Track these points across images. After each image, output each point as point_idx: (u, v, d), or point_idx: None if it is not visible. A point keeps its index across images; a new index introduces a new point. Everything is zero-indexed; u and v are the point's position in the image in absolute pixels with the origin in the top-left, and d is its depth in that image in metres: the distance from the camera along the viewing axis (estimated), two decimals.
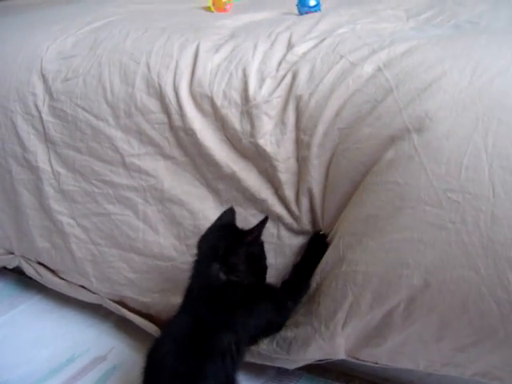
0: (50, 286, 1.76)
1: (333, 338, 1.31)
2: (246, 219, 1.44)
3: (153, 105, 1.51)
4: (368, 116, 1.28)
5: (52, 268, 1.72)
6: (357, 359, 1.36)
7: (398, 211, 1.19)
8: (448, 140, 1.17)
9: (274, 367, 1.53)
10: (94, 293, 1.67)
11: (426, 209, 1.16)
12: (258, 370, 1.52)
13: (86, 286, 1.67)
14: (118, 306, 1.63)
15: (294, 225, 1.40)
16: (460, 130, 1.16)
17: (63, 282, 1.70)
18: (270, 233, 1.41)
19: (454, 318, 1.18)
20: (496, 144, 1.12)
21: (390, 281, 1.21)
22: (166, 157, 1.51)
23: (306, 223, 1.39)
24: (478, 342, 1.19)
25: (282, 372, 1.52)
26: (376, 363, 1.34)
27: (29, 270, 1.75)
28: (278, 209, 1.40)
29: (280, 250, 1.42)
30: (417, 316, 1.21)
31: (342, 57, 1.38)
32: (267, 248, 1.39)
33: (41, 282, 1.76)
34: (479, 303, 1.14)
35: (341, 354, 1.35)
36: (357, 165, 1.28)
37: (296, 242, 1.41)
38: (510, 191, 1.10)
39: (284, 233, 1.41)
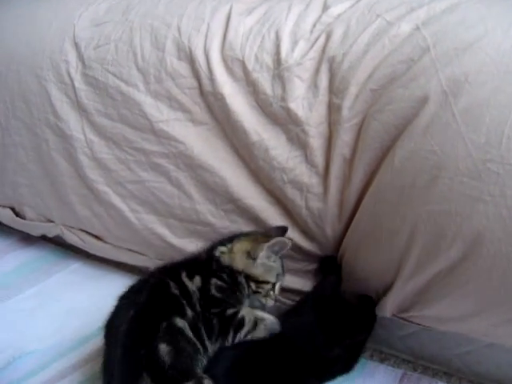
0: (94, 252, 1.77)
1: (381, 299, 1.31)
2: (274, 190, 1.41)
3: (183, 69, 1.48)
4: (402, 76, 1.21)
5: (95, 234, 1.72)
6: (402, 318, 1.33)
7: (435, 181, 1.14)
8: (488, 107, 1.09)
9: None
10: (143, 254, 1.66)
11: (464, 180, 1.10)
12: None
13: (132, 248, 1.67)
14: None
15: (322, 194, 1.36)
16: (502, 96, 1.09)
17: (109, 245, 1.71)
18: (297, 204, 1.38)
19: (492, 292, 1.13)
20: None
21: (430, 251, 1.17)
22: (195, 123, 1.48)
23: (333, 192, 1.34)
24: None
25: None
26: (419, 324, 1.32)
27: (70, 238, 1.76)
28: (306, 178, 1.36)
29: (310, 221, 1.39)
30: (454, 287, 1.17)
31: (378, 16, 1.31)
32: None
33: (84, 248, 1.77)
34: None
35: (386, 313, 1.33)
36: (389, 128, 1.22)
37: (324, 212, 1.36)
38: None
39: (312, 203, 1.37)
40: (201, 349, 1.18)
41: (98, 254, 1.76)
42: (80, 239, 1.75)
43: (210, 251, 1.32)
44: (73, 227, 1.75)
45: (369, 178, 1.29)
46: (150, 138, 1.52)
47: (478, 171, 1.09)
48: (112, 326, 1.25)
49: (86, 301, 1.64)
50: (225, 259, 1.29)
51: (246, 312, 1.26)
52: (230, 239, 1.32)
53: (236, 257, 1.28)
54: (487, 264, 1.10)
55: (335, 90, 1.31)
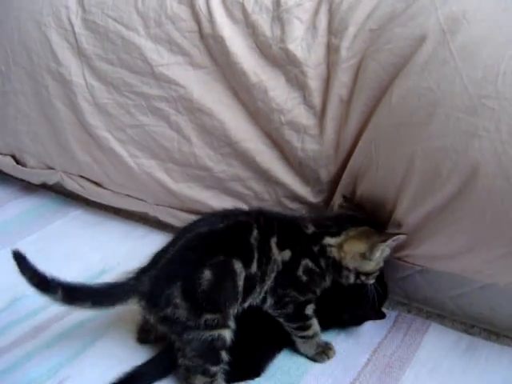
0: (94, 198, 1.78)
1: None
2: (272, 132, 1.42)
3: (183, 12, 1.49)
4: (401, 15, 1.22)
5: (95, 180, 1.74)
6: (397, 258, 1.35)
7: (431, 118, 1.14)
8: (485, 44, 1.10)
9: None
10: (142, 200, 1.68)
11: (460, 116, 1.11)
12: None
13: (131, 194, 1.68)
14: (167, 208, 1.64)
15: (318, 136, 1.37)
16: (499, 33, 1.09)
17: (108, 191, 1.72)
18: (294, 146, 1.39)
19: (485, 228, 1.14)
20: None
21: (425, 188, 1.18)
22: (195, 66, 1.49)
23: (329, 133, 1.35)
24: (510, 253, 1.15)
25: None
26: (413, 264, 1.34)
27: (70, 184, 1.78)
28: (304, 120, 1.37)
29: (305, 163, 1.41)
30: (448, 223, 1.18)
31: None
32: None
33: (83, 194, 1.79)
34: (511, 213, 1.10)
35: None
36: (387, 67, 1.23)
37: (319, 154, 1.38)
38: None
39: (309, 145, 1.38)
40: (240, 300, 1.18)
41: (97, 200, 1.78)
42: (80, 186, 1.76)
43: (316, 234, 1.24)
44: (73, 174, 1.76)
45: (366, 119, 1.29)
46: (151, 82, 1.53)
47: (474, 107, 1.09)
48: (185, 230, 1.23)
49: (85, 246, 1.66)
50: (332, 252, 1.23)
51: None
52: (338, 228, 1.24)
53: (347, 256, 1.22)
54: (481, 199, 1.11)
55: (334, 31, 1.32)
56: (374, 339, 1.36)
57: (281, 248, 1.20)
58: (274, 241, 1.20)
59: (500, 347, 1.33)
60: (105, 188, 1.73)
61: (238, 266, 1.15)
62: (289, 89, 1.38)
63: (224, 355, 1.16)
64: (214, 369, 1.16)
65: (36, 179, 1.86)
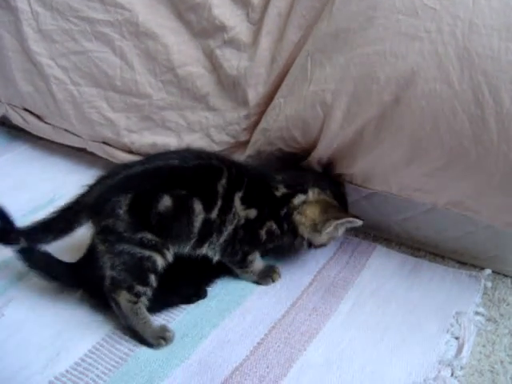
0: (36, 133, 1.76)
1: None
2: (213, 52, 1.40)
3: None
4: None
5: (37, 113, 1.71)
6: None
7: (370, 22, 1.12)
8: None
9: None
10: (78, 136, 1.65)
11: (400, 18, 1.09)
12: None
13: (69, 129, 1.65)
14: (101, 145, 1.62)
15: (252, 52, 1.35)
16: None
17: (48, 126, 1.69)
18: (231, 65, 1.38)
19: (424, 136, 1.12)
20: None
21: (360, 98, 1.15)
22: None
23: (263, 48, 1.33)
24: (448, 165, 1.13)
25: None
26: (350, 182, 1.32)
27: (15, 118, 1.74)
28: (244, 37, 1.36)
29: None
30: (387, 134, 1.16)
31: None
32: None
33: (27, 129, 1.76)
34: (451, 120, 1.08)
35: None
36: None
37: (250, 71, 1.36)
38: None
39: (243, 62, 1.37)
40: (193, 241, 1.17)
41: (39, 134, 1.76)
42: (23, 120, 1.73)
43: (286, 196, 1.24)
44: (17, 106, 1.73)
45: (303, 32, 1.27)
46: (96, 6, 1.50)
47: (414, 8, 1.07)
48: (155, 157, 1.23)
49: (35, 177, 1.66)
50: (295, 217, 1.23)
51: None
52: (306, 186, 1.24)
53: (303, 225, 1.23)
54: (421, 105, 1.09)
55: None
56: (320, 261, 1.36)
57: (246, 205, 1.20)
58: (238, 195, 1.19)
59: (444, 268, 1.34)
60: (46, 123, 1.70)
61: (197, 206, 1.14)
62: (232, 6, 1.36)
63: (152, 279, 1.14)
64: (139, 288, 1.13)
65: None
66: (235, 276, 1.30)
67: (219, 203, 1.16)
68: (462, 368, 1.11)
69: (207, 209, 1.15)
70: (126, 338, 1.16)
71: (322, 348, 1.15)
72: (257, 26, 1.33)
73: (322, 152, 1.25)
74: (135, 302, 1.13)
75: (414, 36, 1.07)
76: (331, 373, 1.10)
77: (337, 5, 1.17)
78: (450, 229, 1.33)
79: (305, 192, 1.24)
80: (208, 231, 1.17)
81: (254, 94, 1.35)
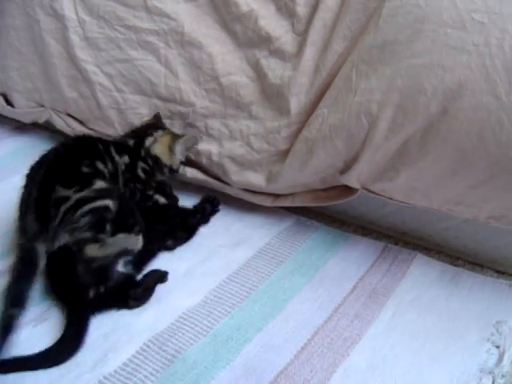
0: None
1: (348, 171, 1.30)
2: (258, 62, 1.43)
3: None
4: None
5: (80, 119, 1.75)
6: (371, 192, 1.34)
7: (418, 35, 1.14)
8: None
9: (292, 216, 1.53)
10: None
11: (448, 31, 1.11)
12: (276, 218, 1.54)
13: (112, 134, 1.68)
14: None
15: (296, 62, 1.37)
16: None
17: (92, 132, 1.72)
18: (276, 75, 1.40)
19: (470, 148, 1.13)
20: None
21: (407, 109, 1.16)
22: None
23: (307, 59, 1.36)
24: (494, 176, 1.15)
25: (300, 222, 1.53)
26: (391, 198, 1.32)
27: (59, 123, 1.79)
28: (290, 47, 1.38)
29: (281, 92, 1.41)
30: (432, 146, 1.17)
31: None
32: None
33: (70, 133, 1.77)
34: (497, 132, 1.10)
35: (354, 184, 1.34)
36: None
37: (293, 80, 1.38)
38: None
39: (287, 72, 1.39)
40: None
41: None
42: (67, 124, 1.77)
43: (137, 142, 1.47)
44: (60, 111, 1.77)
45: (348, 43, 1.29)
46: (142, 15, 1.54)
47: (462, 22, 1.09)
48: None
49: None
50: (154, 151, 1.48)
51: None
52: (151, 131, 1.50)
53: (162, 153, 1.48)
54: (467, 117, 1.11)
55: None
56: (361, 268, 1.37)
57: (119, 154, 1.41)
58: (113, 149, 1.40)
59: (483, 278, 1.35)
60: (89, 128, 1.74)
61: (100, 164, 1.34)
62: (278, 17, 1.39)
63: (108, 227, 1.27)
64: (101, 236, 1.25)
65: (26, 118, 1.88)
66: (279, 278, 1.33)
67: (108, 160, 1.37)
68: (503, 376, 1.12)
69: (106, 165, 1.37)
70: (173, 340, 1.18)
71: (364, 354, 1.16)
72: (301, 36, 1.36)
73: (364, 164, 1.26)
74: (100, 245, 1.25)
75: (462, 49, 1.09)
76: (374, 378, 1.11)
77: (383, 17, 1.20)
78: (490, 238, 1.34)
79: (151, 135, 1.48)
80: (115, 181, 1.38)
81: (296, 103, 1.37)
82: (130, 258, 1.29)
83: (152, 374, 1.12)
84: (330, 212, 1.52)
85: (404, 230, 1.44)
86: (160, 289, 1.31)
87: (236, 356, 1.16)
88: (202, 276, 1.35)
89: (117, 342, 1.19)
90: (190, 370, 1.12)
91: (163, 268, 1.35)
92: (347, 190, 1.38)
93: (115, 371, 1.12)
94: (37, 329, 1.23)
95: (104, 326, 1.22)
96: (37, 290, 1.30)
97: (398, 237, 1.45)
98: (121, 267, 1.27)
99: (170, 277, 1.34)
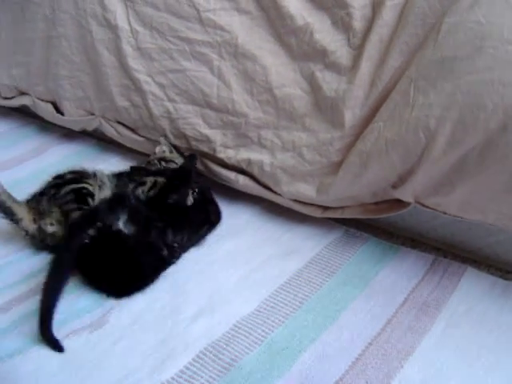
0: (130, 145, 1.82)
1: (402, 185, 1.31)
2: (313, 75, 1.44)
3: None
4: None
5: (130, 126, 1.77)
6: (424, 206, 1.34)
7: (478, 51, 1.15)
8: None
9: (341, 227, 1.54)
10: None
11: (509, 48, 1.12)
12: (325, 229, 1.55)
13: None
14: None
15: (352, 75, 1.38)
16: None
17: (143, 139, 1.76)
18: (330, 88, 1.41)
19: None
20: None
21: (466, 124, 1.17)
22: (241, 11, 1.52)
23: (363, 73, 1.36)
24: None
25: (349, 233, 1.54)
26: (445, 213, 1.33)
27: (109, 130, 1.82)
28: (345, 61, 1.39)
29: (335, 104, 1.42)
30: (491, 161, 1.18)
31: None
32: None
33: (120, 140, 1.83)
34: None
35: (410, 198, 1.34)
36: (433, 5, 1.24)
37: (349, 94, 1.38)
38: None
39: (342, 85, 1.39)
40: None
41: (133, 146, 1.82)
42: (117, 132, 1.80)
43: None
44: (110, 119, 1.80)
45: (405, 58, 1.30)
46: (196, 27, 1.56)
47: None
48: None
49: None
50: None
51: None
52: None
53: None
54: None
55: None
56: (412, 280, 1.37)
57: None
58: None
59: None
60: (139, 135, 1.76)
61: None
62: (333, 31, 1.40)
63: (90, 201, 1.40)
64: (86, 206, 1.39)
65: (76, 126, 1.91)
66: (332, 288, 1.35)
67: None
68: None
69: None
70: (228, 348, 1.20)
71: (418, 366, 1.17)
72: (357, 50, 1.37)
73: (420, 178, 1.27)
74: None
75: None
76: None
77: (443, 33, 1.21)
78: None
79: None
80: None
81: (351, 116, 1.38)
82: None
83: (209, 382, 1.13)
84: (379, 223, 1.53)
85: (453, 242, 1.44)
86: (214, 296, 1.33)
87: (291, 366, 1.17)
88: (255, 285, 1.37)
89: (173, 349, 1.20)
90: (246, 379, 1.14)
91: (216, 275, 1.38)
92: (398, 203, 1.38)
93: (172, 378, 1.14)
94: (93, 335, 1.25)
95: (159, 333, 1.24)
96: (92, 295, 1.34)
97: (447, 249, 1.45)
98: None
99: (222, 284, 1.36)
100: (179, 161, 1.59)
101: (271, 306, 1.31)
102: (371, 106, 1.36)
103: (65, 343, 1.21)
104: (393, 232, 1.53)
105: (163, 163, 1.57)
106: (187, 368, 1.16)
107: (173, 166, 1.57)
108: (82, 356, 1.20)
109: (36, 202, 1.43)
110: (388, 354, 1.20)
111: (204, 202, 1.52)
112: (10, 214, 1.39)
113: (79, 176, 1.46)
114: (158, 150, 1.63)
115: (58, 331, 1.23)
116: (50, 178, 1.48)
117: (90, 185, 1.44)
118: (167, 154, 1.61)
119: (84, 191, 1.42)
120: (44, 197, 1.43)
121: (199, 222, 1.47)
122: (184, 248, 1.44)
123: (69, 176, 1.46)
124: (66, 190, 1.42)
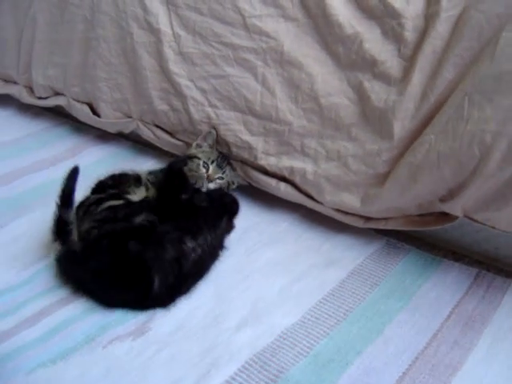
0: (167, 148, 1.81)
1: (452, 199, 1.30)
2: (361, 84, 1.43)
3: None
4: None
5: (169, 130, 1.77)
6: (473, 220, 1.33)
7: None
8: None
9: (382, 238, 1.53)
10: None
11: None
12: (366, 239, 1.54)
13: None
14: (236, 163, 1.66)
15: (402, 87, 1.37)
16: None
17: (181, 143, 1.75)
18: (379, 98, 1.39)
19: None
20: None
21: None
22: (287, 18, 1.51)
23: (414, 84, 1.35)
24: None
25: (390, 244, 1.53)
26: (493, 227, 1.32)
27: (146, 133, 1.81)
28: (395, 72, 1.38)
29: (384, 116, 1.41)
30: None
31: None
32: None
33: (157, 144, 1.82)
34: None
35: (457, 212, 1.33)
36: (491, 17, 1.23)
37: (399, 105, 1.37)
38: None
39: (392, 96, 1.38)
40: None
41: (170, 150, 1.80)
42: (154, 135, 1.79)
43: None
44: (148, 123, 1.79)
45: (459, 71, 1.28)
46: (241, 33, 1.55)
47: None
48: None
49: None
50: None
51: None
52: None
53: None
54: None
55: None
56: (456, 294, 1.37)
57: None
58: None
59: None
60: (178, 139, 1.76)
61: None
62: (384, 41, 1.39)
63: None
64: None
65: (112, 128, 1.90)
66: (376, 300, 1.34)
67: None
68: None
69: None
70: (274, 359, 1.19)
71: (466, 382, 1.16)
72: (408, 61, 1.36)
73: (471, 193, 1.26)
74: None
75: None
76: None
77: (500, 47, 1.20)
78: None
79: None
80: None
81: (400, 128, 1.37)
82: None
83: None
84: (421, 235, 1.52)
85: (497, 256, 1.43)
86: (257, 306, 1.32)
87: (339, 378, 1.16)
88: (298, 295, 1.36)
89: (218, 359, 1.20)
90: None
91: (258, 284, 1.38)
92: (444, 216, 1.38)
93: None
94: (136, 342, 1.24)
95: (203, 341, 1.24)
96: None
97: (490, 263, 1.44)
98: None
99: (265, 294, 1.36)
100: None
101: (315, 317, 1.30)
102: (421, 119, 1.34)
103: (109, 349, 1.21)
104: (434, 244, 1.52)
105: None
106: (233, 378, 1.16)
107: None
108: (126, 363, 1.19)
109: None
110: (435, 370, 1.19)
111: (217, 195, 1.51)
112: None
113: (119, 191, 1.44)
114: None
115: (101, 336, 1.23)
116: (92, 185, 1.47)
117: (129, 195, 1.42)
118: (192, 151, 1.61)
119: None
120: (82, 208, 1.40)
121: (215, 216, 1.44)
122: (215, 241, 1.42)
123: (110, 191, 1.44)
124: (103, 207, 1.38)
